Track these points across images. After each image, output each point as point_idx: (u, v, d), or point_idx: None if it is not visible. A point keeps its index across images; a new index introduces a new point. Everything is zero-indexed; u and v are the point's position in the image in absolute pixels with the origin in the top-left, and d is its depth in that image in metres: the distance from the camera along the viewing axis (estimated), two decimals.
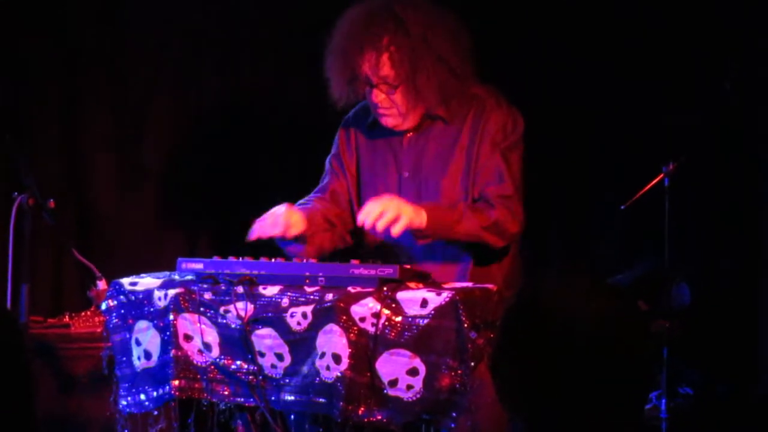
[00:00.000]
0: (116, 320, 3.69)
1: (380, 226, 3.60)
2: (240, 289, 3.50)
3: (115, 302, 3.69)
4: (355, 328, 3.35)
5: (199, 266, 3.63)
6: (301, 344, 3.43)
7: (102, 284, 4.17)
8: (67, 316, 4.79)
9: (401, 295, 3.35)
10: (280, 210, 3.82)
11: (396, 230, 3.61)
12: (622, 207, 4.79)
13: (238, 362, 3.53)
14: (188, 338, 3.58)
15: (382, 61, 3.83)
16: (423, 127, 4.00)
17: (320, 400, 3.39)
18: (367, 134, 4.11)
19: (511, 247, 3.99)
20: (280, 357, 3.46)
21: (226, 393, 3.57)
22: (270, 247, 3.94)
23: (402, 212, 3.62)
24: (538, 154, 5.63)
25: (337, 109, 4.06)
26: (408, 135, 4.02)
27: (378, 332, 3.32)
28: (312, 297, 3.43)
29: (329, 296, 3.39)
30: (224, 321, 3.53)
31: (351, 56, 3.87)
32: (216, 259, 3.63)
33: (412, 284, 3.43)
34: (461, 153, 3.93)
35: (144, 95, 5.71)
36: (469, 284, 3.61)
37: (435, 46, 3.85)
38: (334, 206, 4.09)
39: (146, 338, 3.64)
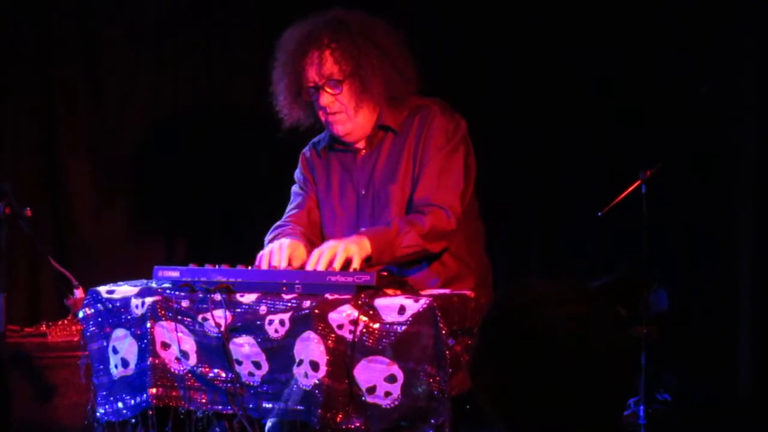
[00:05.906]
0: (93, 328, 3.67)
1: (337, 267, 3.56)
2: (218, 297, 3.49)
3: (92, 310, 3.67)
4: (333, 335, 3.34)
5: (176, 274, 3.62)
6: (279, 352, 3.42)
7: (79, 292, 4.14)
8: (44, 325, 4.78)
9: (379, 302, 3.34)
10: (284, 244, 3.79)
11: (354, 266, 3.59)
12: (600, 213, 4.80)
13: (216, 370, 3.52)
14: (165, 346, 3.57)
15: (324, 58, 3.85)
16: (375, 142, 4.00)
17: (298, 407, 3.38)
18: (323, 159, 4.12)
19: (475, 246, 4.04)
20: (257, 365, 3.45)
21: (204, 401, 3.55)
22: (246, 255, 3.94)
23: (350, 252, 3.60)
24: (517, 160, 5.69)
25: (285, 129, 4.06)
26: (361, 153, 4.03)
27: (356, 339, 3.31)
28: (289, 304, 3.42)
29: (306, 303, 3.39)
30: (201, 329, 3.51)
31: (295, 65, 3.89)
32: (192, 266, 3.62)
33: (389, 291, 3.43)
34: (408, 160, 3.95)
35: (120, 104, 5.70)
36: (447, 291, 3.61)
37: (376, 41, 3.89)
38: (311, 225, 4.10)
39: (123, 346, 3.62)
